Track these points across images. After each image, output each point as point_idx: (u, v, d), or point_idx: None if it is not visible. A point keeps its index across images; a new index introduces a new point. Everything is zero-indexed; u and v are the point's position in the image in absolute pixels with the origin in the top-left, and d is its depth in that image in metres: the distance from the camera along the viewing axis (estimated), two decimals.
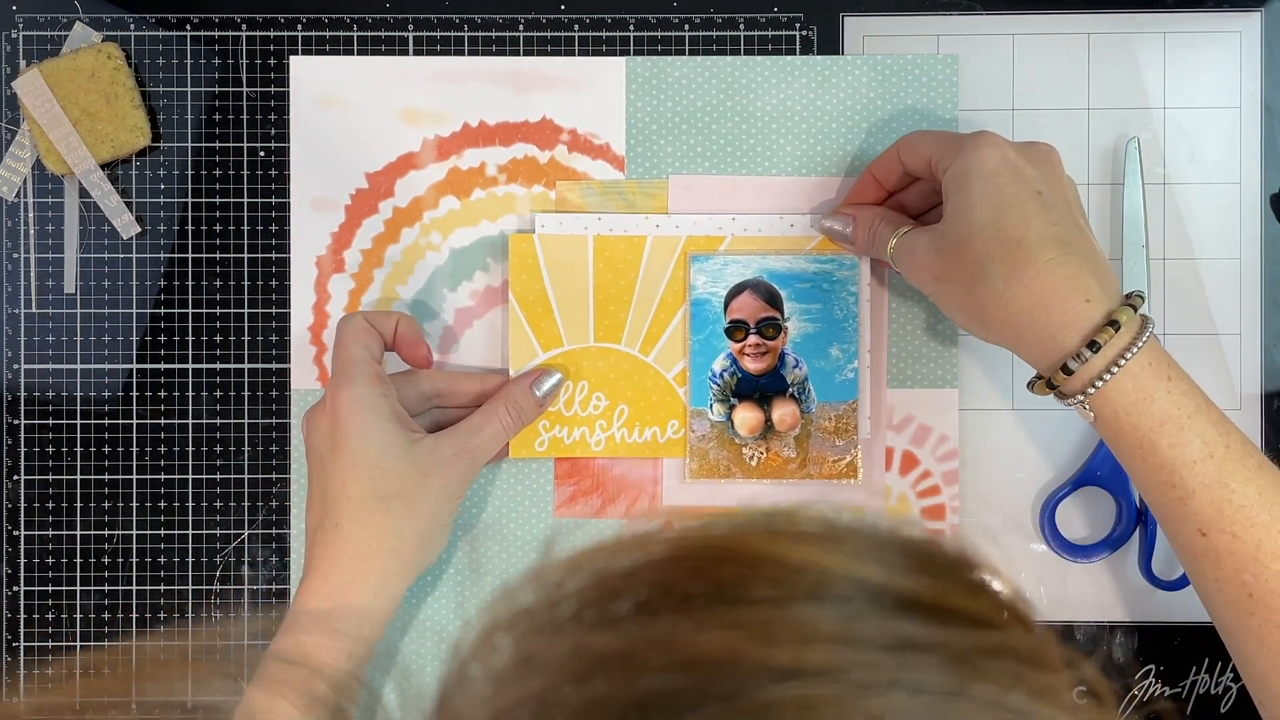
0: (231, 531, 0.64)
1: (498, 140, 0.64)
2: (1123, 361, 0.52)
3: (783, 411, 0.62)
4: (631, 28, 0.65)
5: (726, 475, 0.63)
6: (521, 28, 0.65)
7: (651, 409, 0.63)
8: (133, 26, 0.65)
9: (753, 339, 0.63)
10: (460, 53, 0.65)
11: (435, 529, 0.58)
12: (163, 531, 0.64)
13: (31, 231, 0.65)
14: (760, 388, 0.63)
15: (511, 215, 0.64)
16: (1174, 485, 0.52)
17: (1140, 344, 0.52)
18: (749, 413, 0.63)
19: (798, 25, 0.64)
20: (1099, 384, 0.52)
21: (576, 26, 0.65)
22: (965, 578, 0.32)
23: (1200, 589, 0.54)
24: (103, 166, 0.63)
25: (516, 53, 0.64)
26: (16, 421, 0.64)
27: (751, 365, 0.63)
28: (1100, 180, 0.64)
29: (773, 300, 0.63)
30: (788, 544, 0.31)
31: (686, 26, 0.64)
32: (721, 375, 0.63)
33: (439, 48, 0.65)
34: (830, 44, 0.64)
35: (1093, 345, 0.51)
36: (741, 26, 0.64)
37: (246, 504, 0.64)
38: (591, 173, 0.64)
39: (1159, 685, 0.64)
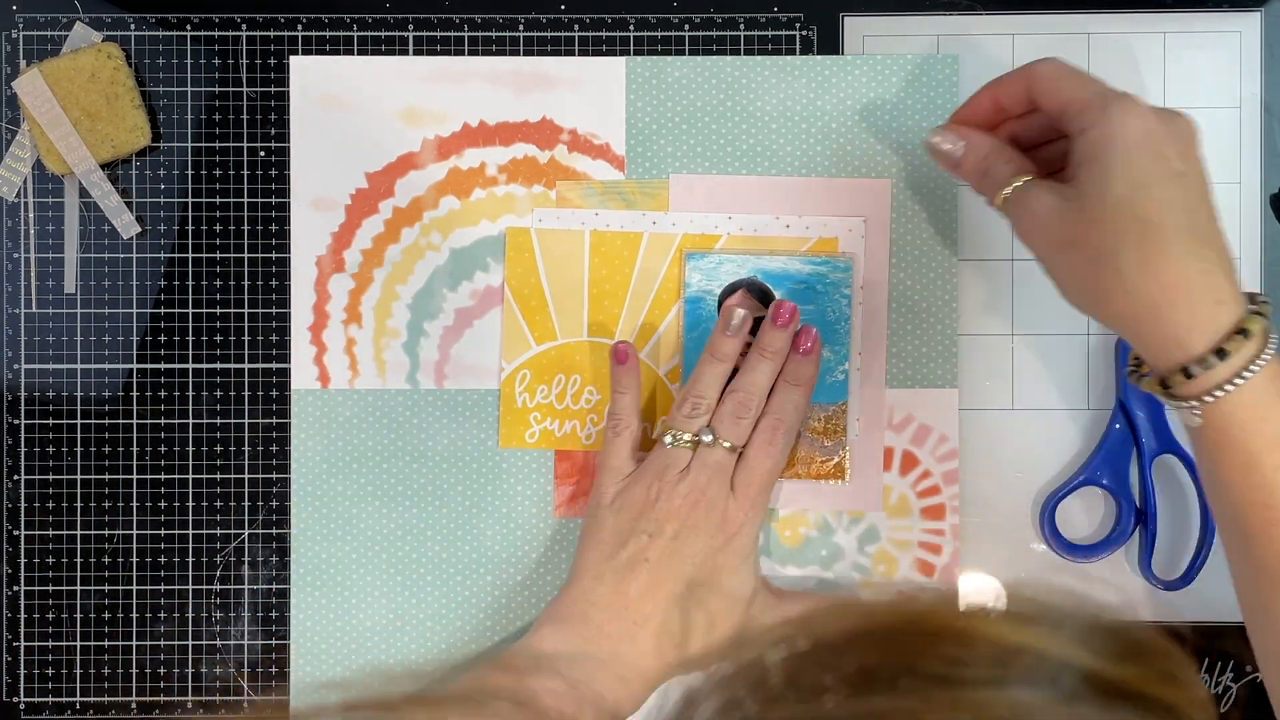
0: (231, 531, 0.64)
1: (498, 140, 0.64)
2: (1247, 374, 0.48)
3: None
4: (631, 28, 0.65)
5: None
6: (521, 28, 0.65)
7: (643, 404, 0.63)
8: (133, 26, 0.65)
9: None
10: (460, 53, 0.65)
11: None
12: (163, 531, 0.64)
13: (31, 231, 0.65)
14: None
15: (511, 215, 0.64)
16: (1271, 507, 0.49)
17: (1266, 356, 0.48)
18: None
19: (798, 25, 0.64)
20: (1219, 393, 0.48)
21: (576, 26, 0.65)
22: (1162, 667, 0.31)
23: (1259, 614, 0.52)
24: (103, 166, 0.63)
25: (516, 53, 0.64)
26: (16, 421, 0.64)
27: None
28: None
29: (766, 300, 0.63)
30: (1007, 626, 0.31)
31: (686, 26, 0.64)
32: None
33: (439, 48, 0.65)
34: (830, 44, 0.64)
35: (1220, 353, 0.48)
36: (741, 26, 0.64)
37: (246, 504, 0.64)
38: (591, 173, 0.64)
39: None
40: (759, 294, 0.63)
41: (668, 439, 0.58)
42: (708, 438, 0.58)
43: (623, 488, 0.59)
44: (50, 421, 0.64)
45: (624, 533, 0.57)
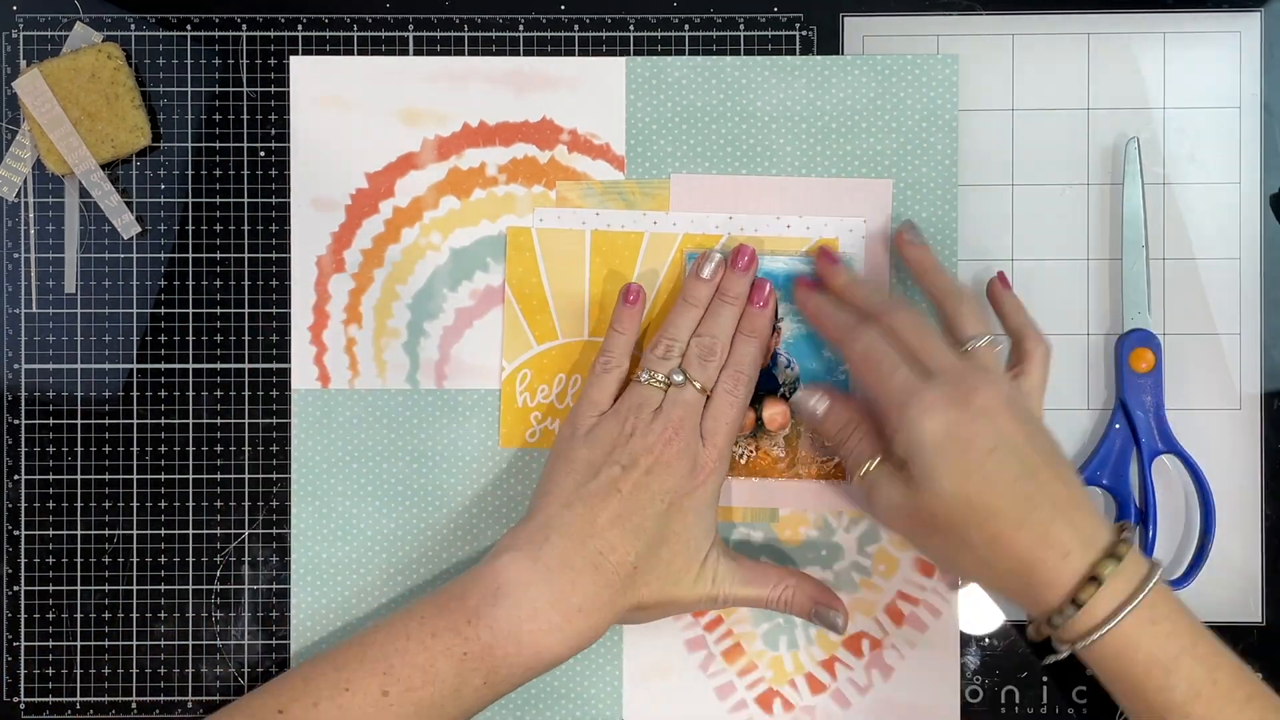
0: (231, 531, 0.64)
1: (498, 140, 0.64)
2: (1114, 621, 0.52)
3: (773, 411, 0.62)
4: (631, 28, 0.65)
5: None
6: (521, 28, 0.65)
7: None
8: (133, 26, 0.65)
9: None
10: (460, 53, 0.65)
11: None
12: (163, 531, 0.64)
13: (31, 231, 0.65)
14: None
15: (511, 215, 0.64)
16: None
17: (1136, 601, 0.52)
18: None
19: (798, 25, 0.64)
20: (1089, 639, 0.52)
21: (576, 26, 0.65)
22: None
23: None
24: (103, 166, 0.64)
25: (516, 53, 0.65)
26: (16, 421, 0.64)
27: None
28: (1100, 180, 0.64)
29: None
30: None
31: (686, 26, 0.64)
32: None
33: (439, 48, 0.65)
34: (830, 44, 0.64)
35: (1076, 602, 0.52)
36: (741, 26, 0.64)
37: (246, 504, 0.64)
38: (591, 173, 0.64)
39: None
40: None
41: (643, 377, 0.59)
42: (679, 378, 0.59)
43: (597, 422, 0.59)
44: (50, 421, 0.64)
45: (597, 463, 0.58)
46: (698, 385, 0.59)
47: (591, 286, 0.63)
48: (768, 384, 0.63)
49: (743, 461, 0.63)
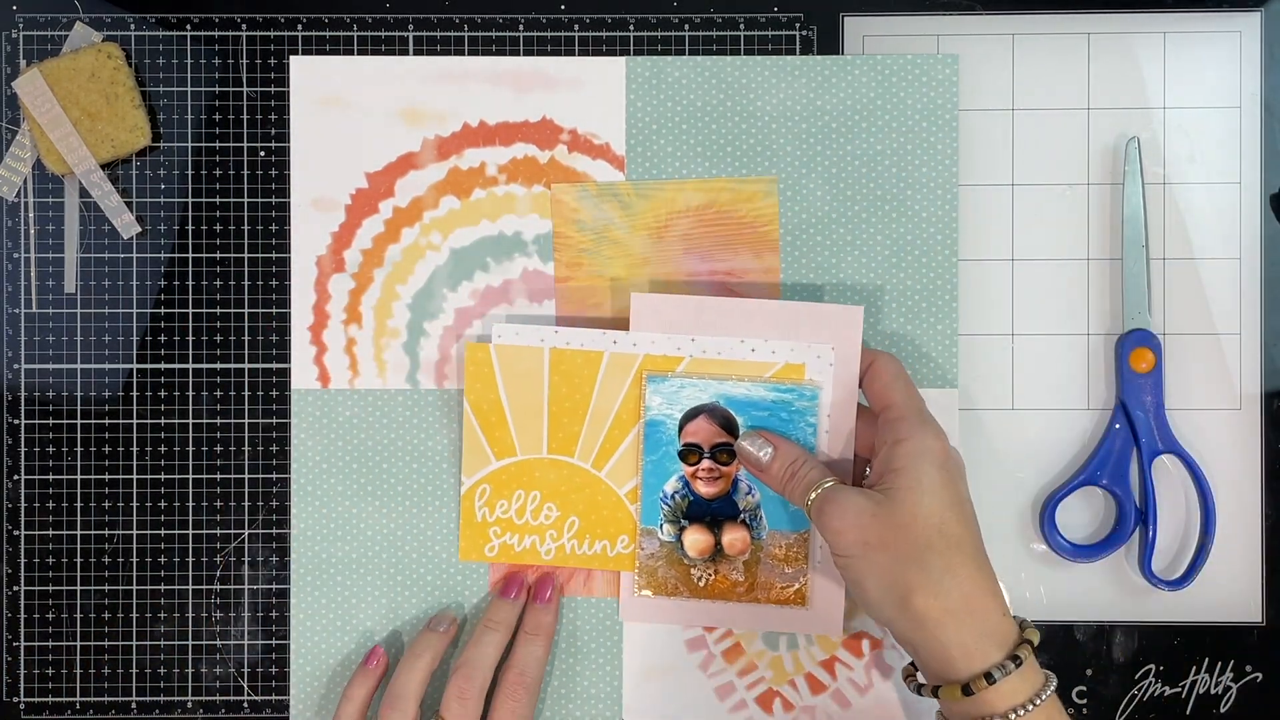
0: (231, 531, 0.64)
1: (498, 140, 0.64)
2: (1046, 693, 0.53)
3: (733, 536, 0.62)
4: (631, 28, 0.65)
5: (674, 593, 0.63)
6: (521, 28, 0.65)
7: (602, 523, 0.62)
8: (133, 26, 0.65)
9: (706, 463, 0.62)
10: (460, 53, 0.65)
11: None
12: (163, 531, 0.64)
13: (31, 231, 0.65)
14: (711, 511, 0.62)
15: (512, 215, 0.64)
16: None
17: (1047, 691, 0.53)
18: (699, 535, 0.62)
19: (798, 25, 0.64)
20: (1030, 707, 0.52)
21: (576, 26, 0.65)
22: None
23: None
24: (103, 166, 0.64)
25: (516, 53, 0.65)
26: (16, 421, 0.64)
27: (704, 489, 0.62)
28: (1100, 180, 0.64)
29: (728, 426, 0.61)
30: None
31: (686, 26, 0.64)
32: (673, 496, 0.62)
33: (439, 48, 0.65)
34: (830, 44, 0.64)
35: (1015, 659, 0.53)
36: (741, 26, 0.64)
37: (246, 504, 0.64)
38: (591, 172, 0.64)
39: (1159, 685, 0.64)
40: (721, 420, 0.61)
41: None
42: None
43: None
44: (50, 421, 0.64)
45: None
46: None
47: (550, 404, 0.62)
48: (728, 509, 0.62)
49: (701, 585, 0.62)
